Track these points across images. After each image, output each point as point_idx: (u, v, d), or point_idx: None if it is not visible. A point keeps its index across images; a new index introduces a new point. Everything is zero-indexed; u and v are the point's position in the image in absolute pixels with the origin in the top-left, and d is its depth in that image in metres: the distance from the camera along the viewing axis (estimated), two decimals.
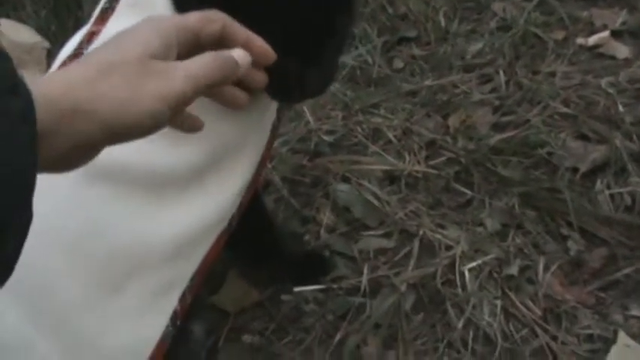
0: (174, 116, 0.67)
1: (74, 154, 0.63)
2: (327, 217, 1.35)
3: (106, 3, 0.93)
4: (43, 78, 0.62)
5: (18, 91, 0.55)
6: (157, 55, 0.65)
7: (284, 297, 1.26)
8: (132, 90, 0.62)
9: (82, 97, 0.61)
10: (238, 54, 0.72)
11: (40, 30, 1.83)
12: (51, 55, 1.71)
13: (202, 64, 0.68)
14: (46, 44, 1.78)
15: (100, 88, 0.62)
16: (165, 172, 0.90)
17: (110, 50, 0.65)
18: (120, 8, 0.92)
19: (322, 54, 0.92)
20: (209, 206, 0.95)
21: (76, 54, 0.91)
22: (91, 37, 0.91)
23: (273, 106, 1.02)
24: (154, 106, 0.63)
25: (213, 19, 0.72)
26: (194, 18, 0.71)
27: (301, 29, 0.87)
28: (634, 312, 1.19)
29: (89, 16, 1.74)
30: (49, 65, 1.64)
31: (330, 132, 1.52)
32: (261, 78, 0.79)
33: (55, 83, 0.61)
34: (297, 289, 1.26)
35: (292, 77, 0.90)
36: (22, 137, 0.54)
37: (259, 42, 0.75)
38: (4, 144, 0.53)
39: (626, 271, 1.24)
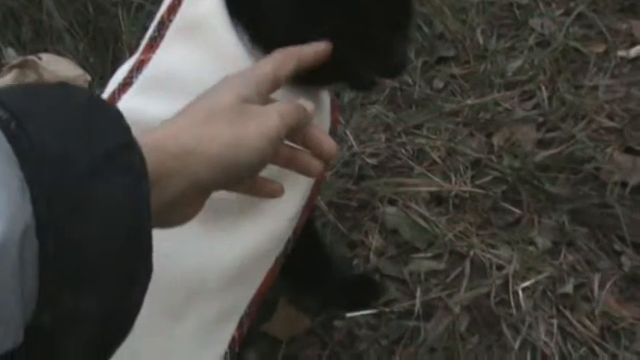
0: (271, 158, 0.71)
1: (183, 200, 0.65)
2: (375, 240, 1.35)
3: (154, 32, 0.93)
4: (146, 131, 0.63)
5: (133, 144, 0.57)
6: (248, 101, 0.70)
7: (336, 323, 1.25)
8: (235, 131, 0.66)
9: (188, 140, 0.64)
10: (304, 102, 0.77)
11: (80, 63, 1.84)
12: (92, 88, 1.72)
13: (285, 104, 0.73)
14: (88, 77, 1.79)
15: (205, 131, 0.65)
16: (220, 199, 0.90)
17: (205, 101, 0.69)
18: (170, 35, 0.92)
19: (410, 27, 0.96)
20: (265, 231, 0.95)
21: (126, 82, 0.92)
22: (140, 65, 0.92)
23: (326, 127, 1.02)
24: (258, 143, 0.67)
25: (285, 61, 0.78)
26: (269, 67, 0.76)
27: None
28: None
29: (129, 47, 1.78)
30: None
31: (373, 155, 1.51)
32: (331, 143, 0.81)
33: (160, 132, 0.64)
34: (349, 314, 1.25)
35: (398, 49, 0.93)
36: (144, 190, 0.56)
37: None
38: (132, 198, 0.54)
39: None
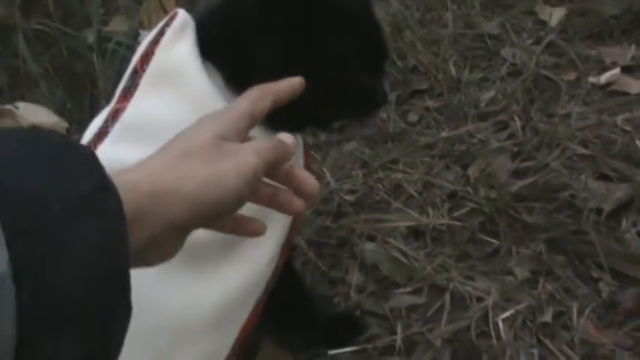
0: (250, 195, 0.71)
1: (162, 240, 0.64)
2: (355, 277, 1.35)
3: (128, 81, 0.94)
4: (122, 170, 0.63)
5: (108, 186, 0.56)
6: (226, 139, 0.70)
7: None
8: (212, 169, 0.66)
9: (164, 179, 0.64)
10: (284, 136, 0.78)
11: (57, 109, 1.85)
12: (70, 135, 1.73)
13: (263, 142, 0.73)
14: (65, 124, 1.80)
15: (182, 170, 0.65)
16: (201, 242, 0.91)
17: (181, 140, 0.69)
18: (145, 83, 0.93)
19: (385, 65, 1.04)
20: (245, 274, 0.96)
21: (102, 132, 0.93)
22: (116, 114, 0.93)
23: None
24: (235, 182, 0.67)
25: (261, 98, 0.78)
26: (245, 104, 0.76)
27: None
28: None
29: (105, 93, 1.78)
30: None
31: (351, 191, 1.52)
32: (313, 182, 0.81)
33: (136, 171, 0.64)
34: (331, 352, 1.25)
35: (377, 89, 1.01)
36: (121, 232, 0.56)
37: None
38: (108, 240, 0.54)
39: None
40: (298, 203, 0.80)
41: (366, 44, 0.97)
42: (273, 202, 0.79)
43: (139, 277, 0.82)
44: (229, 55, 0.94)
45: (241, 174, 0.67)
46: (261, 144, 0.72)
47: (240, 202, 0.70)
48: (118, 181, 0.58)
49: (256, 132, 0.82)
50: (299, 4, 0.91)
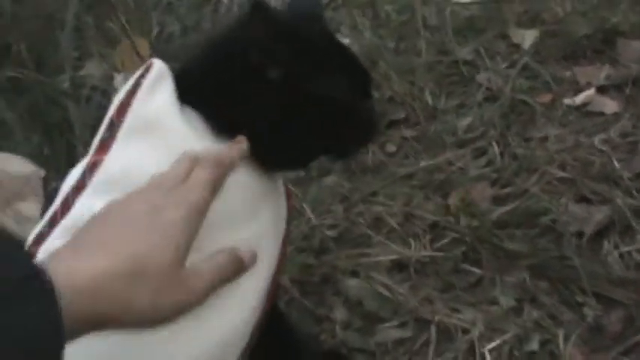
0: None
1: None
2: (340, 313, 1.34)
3: (104, 132, 0.93)
4: (69, 263, 0.64)
5: (40, 276, 0.56)
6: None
7: None
8: (154, 302, 0.69)
9: (106, 306, 0.65)
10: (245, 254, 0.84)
11: (33, 156, 1.84)
12: (46, 183, 1.72)
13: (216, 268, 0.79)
14: (42, 172, 1.78)
15: (127, 295, 0.66)
16: None
17: (148, 241, 0.72)
18: (122, 135, 0.92)
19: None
20: (226, 327, 0.94)
21: (79, 186, 0.91)
22: (93, 167, 0.91)
23: (283, 213, 1.03)
24: (169, 318, 0.72)
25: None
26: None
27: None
28: None
29: (81, 138, 1.77)
30: (45, 193, 1.65)
31: (332, 226, 1.52)
32: None
33: (81, 276, 0.64)
34: None
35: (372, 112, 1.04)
36: (54, 318, 0.56)
37: None
38: (42, 326, 0.54)
39: None
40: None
41: (349, 72, 0.97)
42: None
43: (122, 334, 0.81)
44: (219, 104, 0.94)
45: (178, 311, 0.73)
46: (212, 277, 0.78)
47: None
48: (62, 284, 0.59)
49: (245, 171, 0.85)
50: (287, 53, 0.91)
